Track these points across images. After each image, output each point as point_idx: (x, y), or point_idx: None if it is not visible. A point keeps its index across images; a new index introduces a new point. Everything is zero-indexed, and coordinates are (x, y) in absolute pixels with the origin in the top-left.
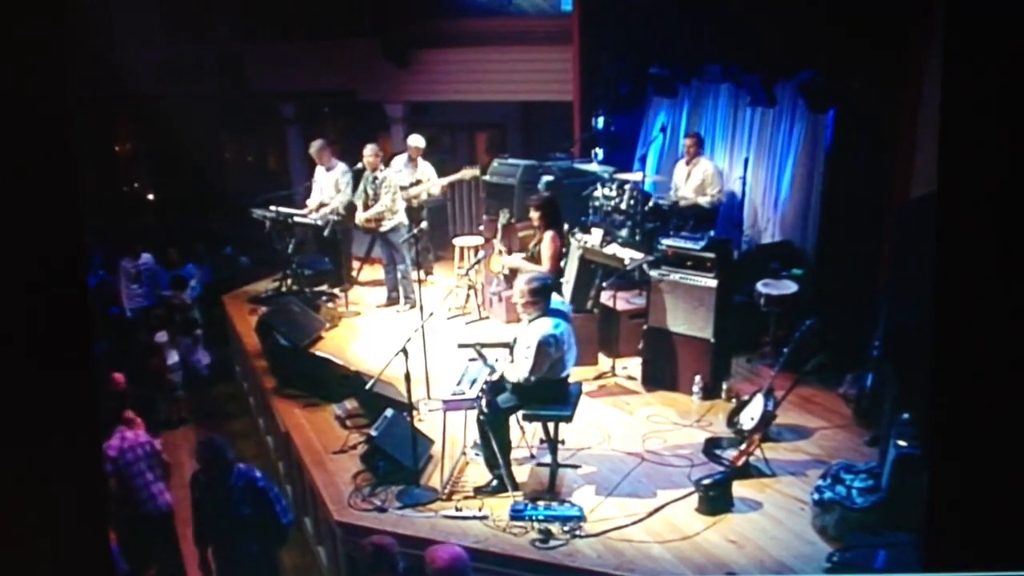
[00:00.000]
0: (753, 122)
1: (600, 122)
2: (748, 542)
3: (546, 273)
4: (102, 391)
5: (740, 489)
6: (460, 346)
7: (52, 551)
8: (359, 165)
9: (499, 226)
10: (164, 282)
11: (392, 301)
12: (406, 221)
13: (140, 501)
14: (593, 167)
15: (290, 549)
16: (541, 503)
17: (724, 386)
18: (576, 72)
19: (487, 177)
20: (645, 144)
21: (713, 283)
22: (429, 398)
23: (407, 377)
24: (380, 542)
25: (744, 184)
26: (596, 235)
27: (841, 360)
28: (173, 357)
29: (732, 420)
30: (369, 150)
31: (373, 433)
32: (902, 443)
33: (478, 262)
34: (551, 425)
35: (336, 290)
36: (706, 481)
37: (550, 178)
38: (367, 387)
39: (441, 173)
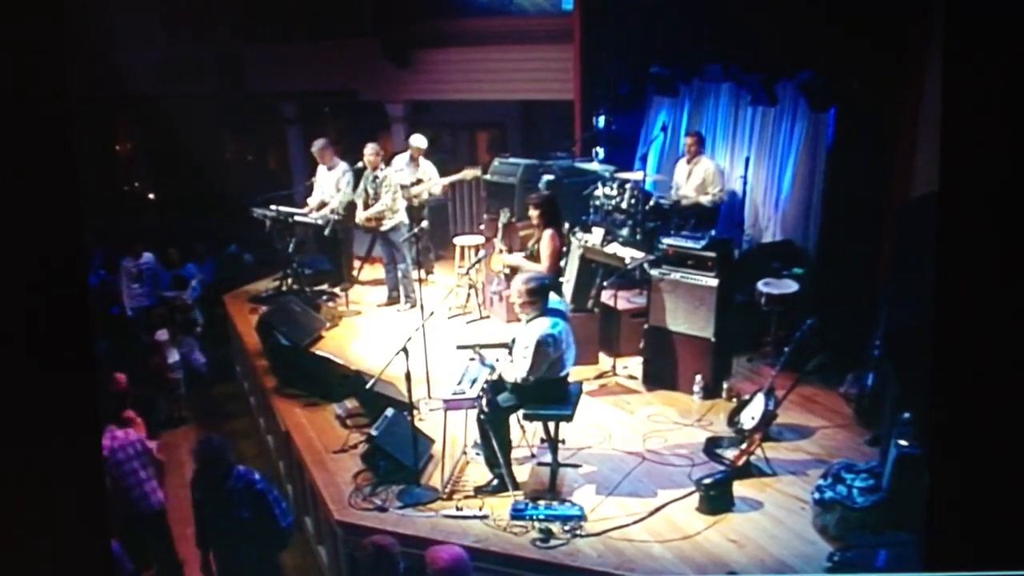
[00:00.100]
0: (754, 121)
1: (601, 121)
2: (749, 541)
3: (545, 272)
4: (103, 391)
5: (741, 488)
6: (459, 347)
7: (52, 551)
8: (359, 164)
9: (500, 225)
10: (165, 282)
11: (393, 300)
12: (407, 220)
13: (133, 500)
14: (594, 166)
15: (290, 549)
16: (542, 502)
17: (725, 385)
18: (577, 71)
19: (488, 176)
20: (646, 143)
21: (714, 282)
22: (430, 397)
23: (408, 376)
24: (381, 542)
25: (745, 183)
26: (597, 234)
27: (842, 359)
28: (174, 356)
29: (733, 419)
30: (370, 149)
31: (374, 432)
32: (903, 443)
33: (479, 261)
34: (551, 424)
35: (336, 289)
36: (707, 480)
37: (551, 177)
38: (367, 386)
39: (442, 173)
